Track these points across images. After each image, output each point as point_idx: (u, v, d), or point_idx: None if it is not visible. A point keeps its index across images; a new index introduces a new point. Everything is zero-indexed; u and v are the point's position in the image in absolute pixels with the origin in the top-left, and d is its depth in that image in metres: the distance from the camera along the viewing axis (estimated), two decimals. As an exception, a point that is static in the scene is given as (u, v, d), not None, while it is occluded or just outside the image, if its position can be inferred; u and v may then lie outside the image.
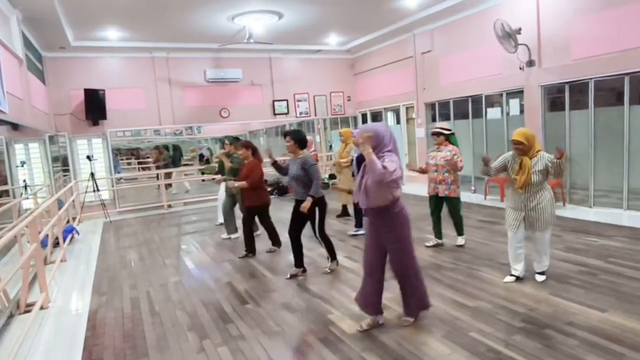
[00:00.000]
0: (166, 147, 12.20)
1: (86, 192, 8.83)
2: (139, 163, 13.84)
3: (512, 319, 3.31)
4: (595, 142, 6.64)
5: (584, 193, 7.01)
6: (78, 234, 7.47)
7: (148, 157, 13.27)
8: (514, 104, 7.95)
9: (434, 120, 9.76)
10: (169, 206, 10.02)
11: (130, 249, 6.57)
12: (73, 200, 8.71)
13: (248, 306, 3.98)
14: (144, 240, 7.09)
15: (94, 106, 9.24)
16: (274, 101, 11.31)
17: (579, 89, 6.83)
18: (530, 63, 7.32)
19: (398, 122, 11.15)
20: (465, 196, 8.60)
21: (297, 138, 4.45)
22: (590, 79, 6.55)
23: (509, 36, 7.08)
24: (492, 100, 8.40)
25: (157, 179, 10.60)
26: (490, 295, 3.80)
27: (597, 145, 6.64)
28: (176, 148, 11.95)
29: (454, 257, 4.92)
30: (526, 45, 7.20)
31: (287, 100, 11.45)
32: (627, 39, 6.00)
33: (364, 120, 12.26)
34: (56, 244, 6.37)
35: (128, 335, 3.59)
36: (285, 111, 11.47)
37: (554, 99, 7.41)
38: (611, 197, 6.65)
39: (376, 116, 11.95)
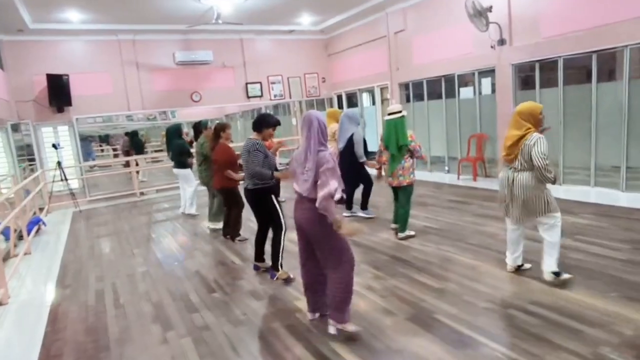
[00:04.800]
0: (134, 133, 11.87)
1: (53, 181, 8.55)
2: (114, 150, 13.54)
3: (477, 300, 3.33)
4: (565, 120, 6.69)
5: (553, 170, 7.08)
6: (45, 225, 7.25)
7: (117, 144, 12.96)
8: (486, 83, 7.94)
9: (408, 100, 9.71)
10: (142, 194, 9.81)
11: (99, 239, 6.41)
12: (40, 191, 8.44)
13: (215, 295, 3.91)
14: (114, 229, 6.93)
15: (58, 92, 8.87)
16: (247, 83, 11.07)
17: (549, 67, 6.84)
18: (502, 42, 7.29)
19: (374, 103, 11.07)
20: (438, 176, 8.69)
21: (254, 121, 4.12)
22: (560, 57, 6.56)
23: (480, 14, 7.02)
24: (466, 80, 8.38)
25: (127, 166, 10.33)
26: (457, 276, 3.82)
27: (566, 123, 6.70)
28: (135, 134, 11.61)
29: (424, 239, 4.93)
30: (497, 24, 7.15)
31: (260, 82, 11.22)
32: (595, 17, 6.00)
33: (339, 102, 12.14)
34: (21, 237, 6.16)
35: (90, 329, 3.50)
36: (259, 94, 11.25)
37: (525, 77, 7.42)
38: (580, 174, 6.75)
39: (351, 97, 11.84)
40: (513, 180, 3.48)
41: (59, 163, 8.56)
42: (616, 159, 6.15)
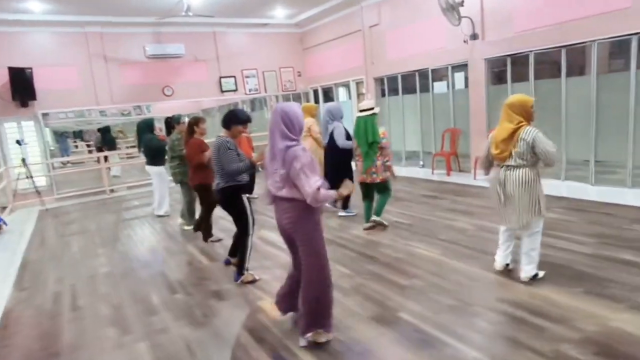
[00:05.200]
0: (107, 128, 11.55)
1: (18, 179, 8.23)
2: (87, 146, 13.20)
3: (443, 297, 3.29)
4: (535, 115, 6.72)
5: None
6: (6, 224, 6.96)
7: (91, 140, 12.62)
8: (459, 77, 7.95)
9: (383, 95, 9.67)
10: (112, 191, 9.54)
11: (63, 238, 6.18)
12: (3, 189, 8.12)
13: (177, 296, 3.78)
14: (80, 228, 6.69)
15: (21, 86, 8.51)
16: (220, 77, 10.85)
17: (520, 61, 6.86)
18: (474, 36, 7.28)
19: (350, 97, 11.00)
20: (413, 171, 8.68)
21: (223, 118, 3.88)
22: (531, 51, 6.58)
23: (453, 9, 6.99)
24: (440, 74, 8.36)
25: (98, 162, 10.03)
26: (424, 273, 3.77)
27: (536, 118, 6.71)
28: (107, 130, 11.31)
29: (394, 234, 4.88)
30: (470, 19, 7.13)
31: (234, 76, 11.02)
32: (564, 12, 6.03)
33: (316, 97, 12.02)
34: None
35: (43, 334, 3.34)
36: (234, 88, 11.05)
37: (497, 72, 7.44)
38: (551, 168, 6.80)
39: (327, 92, 11.73)
40: (506, 180, 3.27)
41: (23, 160, 8.24)
42: (586, 153, 6.22)
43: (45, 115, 9.08)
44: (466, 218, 5.20)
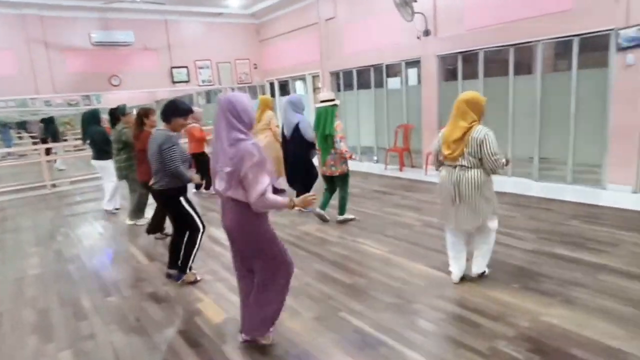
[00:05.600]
0: (50, 119, 10.90)
1: (-56, 172, 7.60)
2: (32, 137, 12.43)
3: (385, 295, 3.26)
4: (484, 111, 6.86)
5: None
6: None
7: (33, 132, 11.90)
8: (413, 73, 7.99)
9: (339, 90, 9.61)
10: (53, 186, 9.00)
11: (-8, 237, 5.75)
12: None
13: (110, 299, 3.57)
14: (14, 226, 6.24)
15: (-52, 71, 7.85)
16: (172, 68, 10.45)
17: (471, 59, 6.97)
18: (427, 32, 7.33)
19: (307, 92, 10.88)
20: (367, 166, 8.69)
21: (162, 110, 3.59)
22: (481, 49, 6.69)
23: (406, 4, 6.99)
24: (395, 70, 8.38)
25: (47, 154, 9.42)
26: (368, 270, 3.74)
27: (485, 114, 6.86)
28: (50, 120, 10.68)
29: (343, 231, 4.84)
30: (422, 14, 7.17)
31: (187, 67, 10.64)
32: (513, 11, 6.15)
33: (272, 90, 11.82)
34: None
35: (-44, 345, 3.04)
36: (186, 79, 10.67)
37: (449, 68, 7.53)
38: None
39: (284, 85, 11.56)
40: (459, 180, 3.11)
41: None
42: (531, 150, 6.40)
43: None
44: (414, 214, 5.24)
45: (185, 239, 3.65)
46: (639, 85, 5.10)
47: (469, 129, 3.04)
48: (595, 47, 5.61)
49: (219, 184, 2.46)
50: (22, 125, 12.37)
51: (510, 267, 3.57)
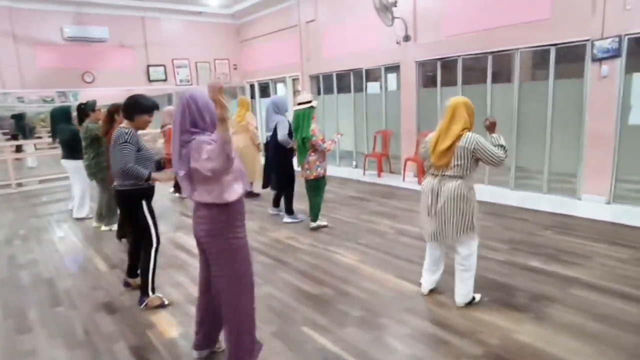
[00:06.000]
0: (20, 115, 10.51)
1: None
2: (4, 134, 11.99)
3: (352, 308, 3.11)
4: (463, 119, 6.81)
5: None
6: None
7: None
8: (392, 79, 7.92)
9: (319, 93, 9.48)
10: (19, 185, 8.62)
11: (-56, 239, 5.41)
12: None
13: (59, 309, 3.33)
14: (-30, 227, 5.91)
15: None
16: (148, 66, 10.17)
17: (449, 65, 6.92)
18: (407, 38, 7.26)
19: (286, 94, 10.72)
20: (346, 171, 8.57)
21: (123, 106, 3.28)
22: (459, 56, 6.65)
23: (386, 9, 6.91)
24: (376, 75, 8.29)
25: (18, 151, 9.08)
26: (337, 281, 3.59)
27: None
28: (21, 117, 10.30)
29: (314, 238, 4.68)
30: (402, 20, 7.10)
31: (164, 65, 10.37)
32: (490, 19, 6.11)
33: (252, 92, 11.63)
34: None
35: None
36: (163, 77, 10.40)
37: (428, 75, 7.47)
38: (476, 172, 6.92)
39: (265, 88, 11.38)
40: (438, 191, 2.96)
41: None
42: (507, 158, 6.35)
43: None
44: (389, 221, 5.12)
45: (141, 255, 3.32)
46: (613, 96, 5.09)
47: (459, 137, 2.86)
48: (572, 58, 5.60)
49: (184, 189, 2.26)
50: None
51: (482, 280, 3.44)
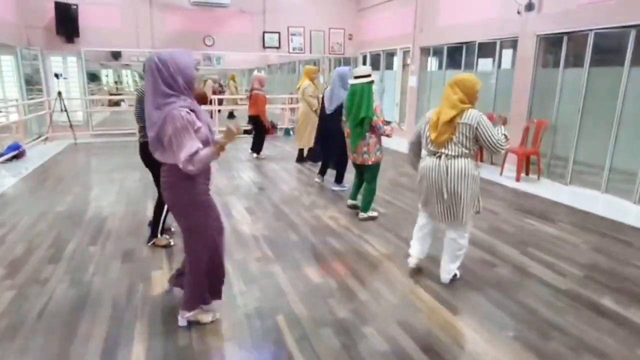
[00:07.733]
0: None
1: (53, 111, 8.64)
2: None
3: (341, 307, 2.73)
4: (583, 108, 5.55)
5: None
6: (24, 153, 7.29)
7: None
8: (507, 55, 6.81)
9: (427, 68, 8.68)
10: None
11: (70, 172, 6.34)
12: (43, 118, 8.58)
13: (91, 248, 3.59)
14: (95, 166, 6.84)
15: (66, 21, 8.78)
16: (264, 32, 10.45)
17: (577, 42, 5.64)
18: (530, 7, 6.10)
19: (392, 67, 10.10)
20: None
21: None
22: (591, 30, 5.35)
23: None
24: (488, 50, 7.23)
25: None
26: (346, 273, 3.21)
27: (584, 112, 5.56)
28: None
29: (354, 223, 4.30)
30: (526, -17, 5.97)
31: (279, 32, 10.55)
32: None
33: (364, 63, 11.21)
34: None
35: None
36: (277, 45, 10.61)
37: (550, 53, 6.22)
38: (591, 173, 5.64)
39: (376, 60, 10.87)
40: (447, 171, 2.80)
41: (59, 93, 8.61)
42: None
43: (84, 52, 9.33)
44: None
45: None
46: None
47: (462, 111, 2.74)
48: None
49: (151, 146, 2.25)
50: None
51: (522, 311, 2.72)
